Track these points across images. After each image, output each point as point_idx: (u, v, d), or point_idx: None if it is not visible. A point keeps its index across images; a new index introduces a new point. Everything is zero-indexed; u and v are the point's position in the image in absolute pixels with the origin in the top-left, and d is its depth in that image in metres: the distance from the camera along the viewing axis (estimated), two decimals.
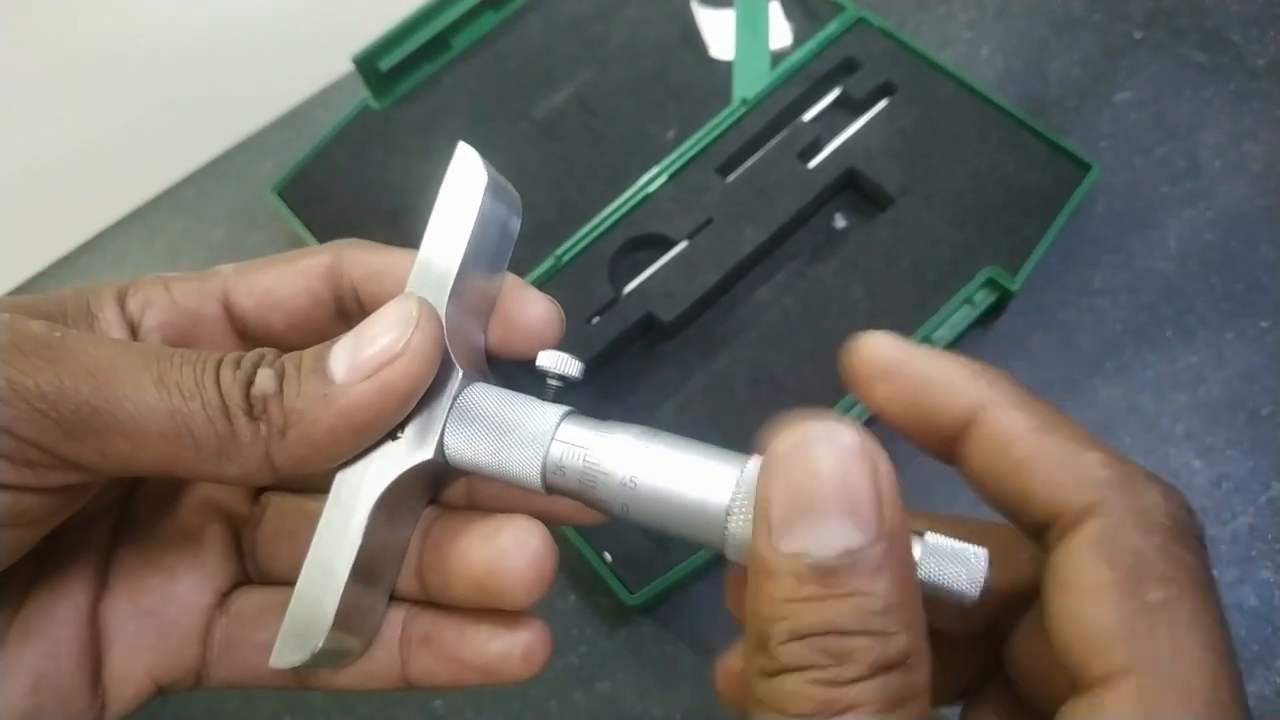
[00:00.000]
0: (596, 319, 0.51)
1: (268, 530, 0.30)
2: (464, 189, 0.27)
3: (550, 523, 0.28)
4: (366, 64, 0.57)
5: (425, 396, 0.26)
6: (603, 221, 0.53)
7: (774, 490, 0.21)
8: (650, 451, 0.25)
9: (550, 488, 0.26)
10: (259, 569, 0.31)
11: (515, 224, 0.30)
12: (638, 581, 0.44)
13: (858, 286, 0.50)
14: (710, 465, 0.24)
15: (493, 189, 0.28)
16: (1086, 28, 0.59)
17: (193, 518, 0.30)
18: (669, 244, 0.53)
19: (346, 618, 0.25)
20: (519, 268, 0.52)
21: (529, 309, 0.29)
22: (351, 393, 0.24)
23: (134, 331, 0.28)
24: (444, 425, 0.26)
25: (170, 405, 0.23)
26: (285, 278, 0.29)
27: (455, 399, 0.26)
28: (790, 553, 0.20)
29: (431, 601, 0.29)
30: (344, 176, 0.58)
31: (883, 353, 0.24)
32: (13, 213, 0.64)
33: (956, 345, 0.49)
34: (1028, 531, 0.23)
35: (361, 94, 0.59)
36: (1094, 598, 0.20)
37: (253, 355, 0.25)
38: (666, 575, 0.44)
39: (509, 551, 0.26)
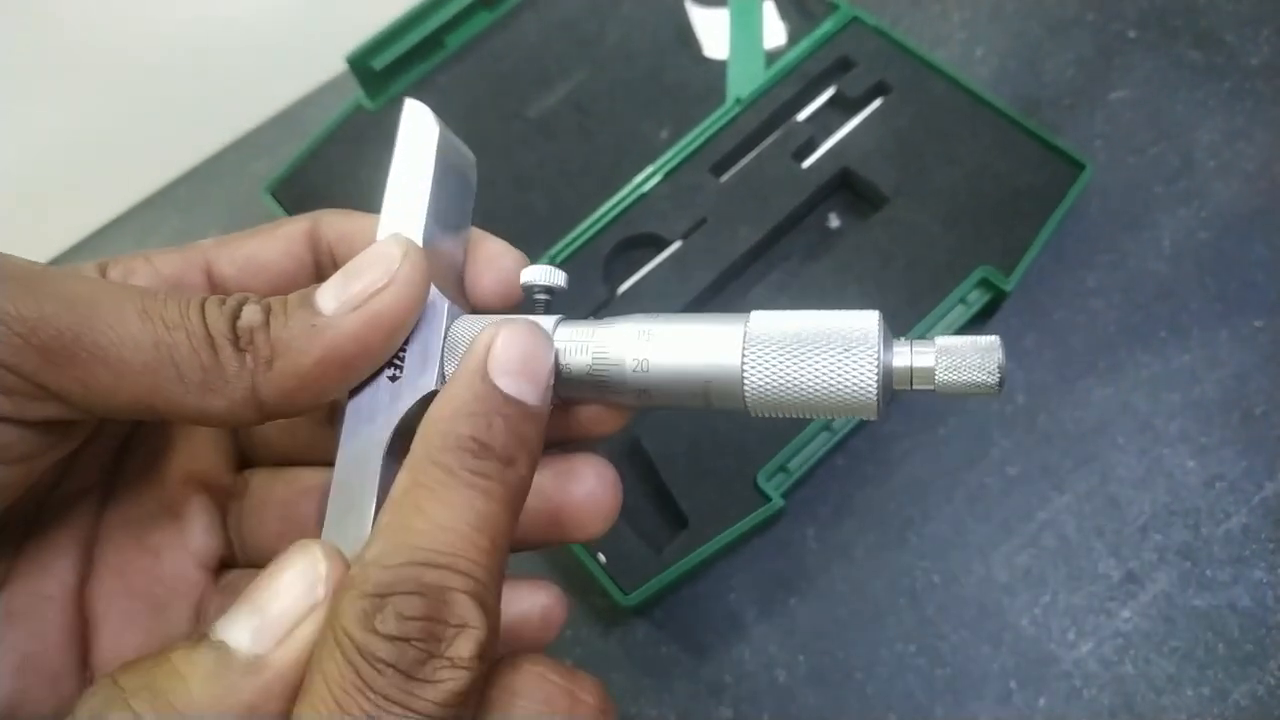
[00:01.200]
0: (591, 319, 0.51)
1: (252, 502, 0.30)
2: (419, 141, 0.28)
3: (568, 442, 0.29)
4: (360, 64, 0.57)
5: (418, 332, 0.26)
6: (597, 221, 0.53)
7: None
8: (653, 332, 0.25)
9: (561, 395, 0.26)
10: (244, 542, 0.30)
11: (472, 176, 0.30)
12: (632, 583, 0.44)
13: (852, 286, 0.50)
14: (714, 329, 0.24)
15: (446, 139, 0.28)
16: (1080, 27, 0.59)
17: (176, 493, 0.30)
18: (663, 244, 0.53)
19: None
20: None
21: (499, 258, 0.29)
22: (340, 323, 0.24)
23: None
24: (441, 355, 0.26)
25: (154, 335, 0.23)
26: (267, 244, 0.29)
27: (447, 330, 0.26)
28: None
29: None
30: (337, 176, 0.58)
31: None
32: (6, 213, 0.64)
33: None
34: None
35: (355, 94, 0.59)
36: None
37: (237, 295, 0.25)
38: (660, 576, 0.44)
39: (593, 485, 0.27)
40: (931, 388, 0.23)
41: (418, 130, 0.28)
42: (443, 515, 0.22)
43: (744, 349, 0.24)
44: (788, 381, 0.23)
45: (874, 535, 0.47)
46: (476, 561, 0.21)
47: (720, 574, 0.47)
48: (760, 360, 0.24)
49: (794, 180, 0.53)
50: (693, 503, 0.46)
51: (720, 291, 0.52)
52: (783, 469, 0.46)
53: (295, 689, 0.22)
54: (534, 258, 0.52)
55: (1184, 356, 0.49)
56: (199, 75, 0.65)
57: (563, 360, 0.25)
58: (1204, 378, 0.49)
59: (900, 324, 0.48)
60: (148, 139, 0.64)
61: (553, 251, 0.52)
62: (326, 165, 0.58)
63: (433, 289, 0.26)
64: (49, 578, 0.27)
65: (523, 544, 0.28)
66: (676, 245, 0.52)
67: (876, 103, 0.55)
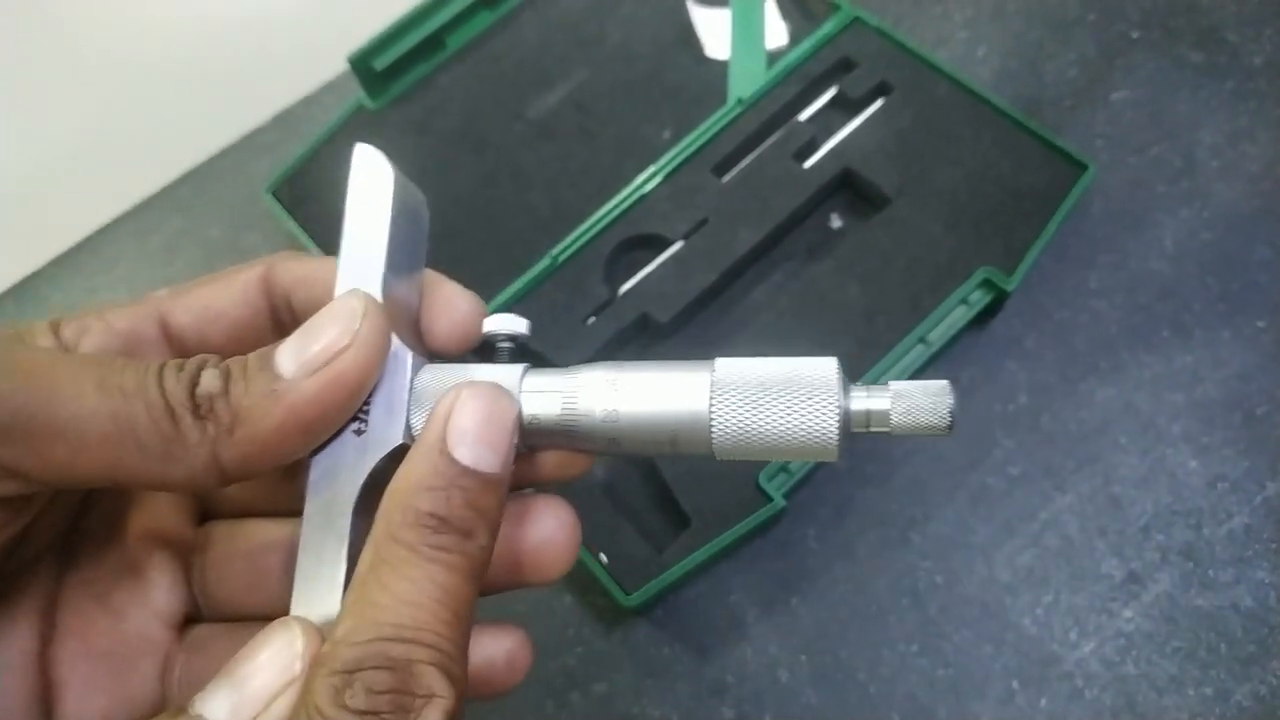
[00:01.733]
0: (592, 319, 0.51)
1: (214, 556, 0.30)
2: (373, 186, 0.28)
3: (536, 486, 0.29)
4: (361, 64, 0.57)
5: (382, 385, 0.26)
6: (598, 222, 0.53)
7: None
8: (621, 381, 0.25)
9: (529, 443, 0.26)
10: (209, 597, 0.30)
11: (425, 217, 0.30)
12: (634, 583, 0.44)
13: (853, 287, 0.50)
14: (681, 378, 0.25)
15: (400, 184, 0.28)
16: (1082, 27, 0.59)
17: (137, 551, 0.29)
18: (665, 244, 0.53)
19: None
20: (517, 266, 0.52)
21: (456, 302, 0.29)
22: (300, 387, 0.23)
23: None
24: (408, 408, 0.26)
25: (112, 407, 0.22)
26: (221, 292, 0.29)
27: (412, 382, 0.26)
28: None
29: None
30: (339, 176, 0.57)
31: None
32: (8, 213, 0.64)
33: (952, 346, 0.49)
34: None
35: (356, 94, 0.59)
36: None
37: (196, 359, 0.24)
38: (662, 576, 0.44)
39: (551, 528, 0.27)
40: (887, 430, 0.24)
41: (371, 176, 0.28)
42: (406, 591, 0.22)
43: (711, 397, 0.24)
44: (753, 428, 0.24)
45: (876, 535, 0.47)
46: (440, 634, 0.22)
47: (722, 574, 0.47)
48: (727, 408, 0.24)
49: (795, 181, 0.53)
50: (694, 503, 0.46)
51: (721, 292, 0.52)
52: (784, 469, 0.46)
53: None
54: (535, 258, 0.52)
55: (1186, 357, 0.49)
56: (200, 75, 0.65)
57: (532, 410, 0.26)
58: (1206, 378, 0.49)
59: (902, 324, 0.48)
60: (149, 139, 0.64)
61: (554, 252, 0.52)
62: (327, 165, 0.58)
63: (395, 340, 0.26)
64: (10, 645, 0.26)
65: (484, 590, 0.28)
66: (678, 246, 0.52)
67: (878, 103, 0.55)
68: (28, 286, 0.60)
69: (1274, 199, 0.52)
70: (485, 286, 0.51)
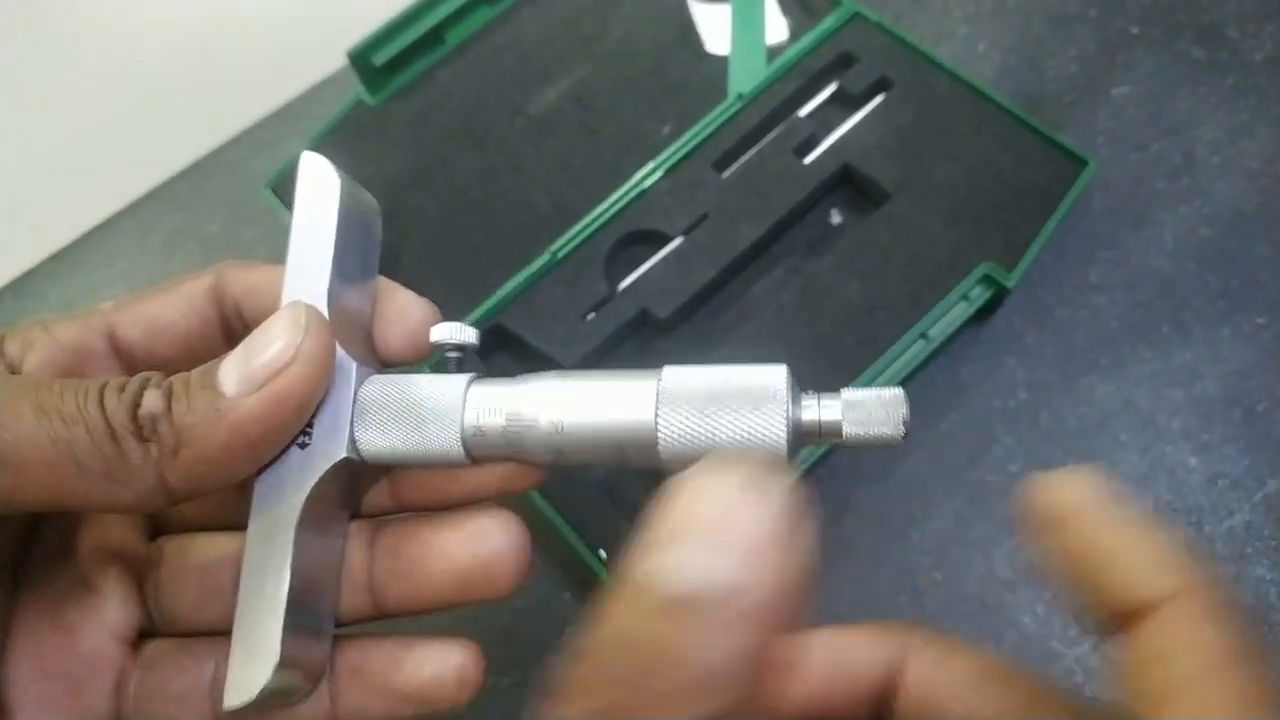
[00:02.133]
0: (592, 315, 0.51)
1: (167, 572, 0.29)
2: (319, 197, 0.27)
3: (486, 499, 0.28)
4: (360, 59, 0.57)
5: (327, 398, 0.25)
6: (598, 217, 0.53)
7: (659, 514, 0.19)
8: (566, 390, 0.24)
9: (473, 456, 0.26)
10: (163, 612, 0.29)
11: (377, 227, 0.30)
12: None
13: (853, 282, 0.50)
14: (626, 387, 0.24)
15: (349, 194, 0.28)
16: (1083, 23, 0.59)
17: (89, 568, 0.29)
18: (665, 240, 0.52)
19: (292, 652, 0.24)
20: (517, 262, 0.52)
21: (408, 310, 0.29)
22: (243, 405, 0.23)
23: (14, 374, 0.27)
24: (351, 421, 0.25)
25: (51, 433, 0.22)
26: (170, 303, 0.28)
27: (356, 394, 0.26)
28: (643, 569, 0.18)
29: (384, 617, 0.28)
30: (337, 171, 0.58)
31: (1068, 497, 0.21)
32: (7, 208, 0.64)
33: (952, 342, 0.49)
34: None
35: (355, 89, 0.59)
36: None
37: (138, 378, 0.24)
38: None
39: (497, 543, 0.26)
40: (840, 440, 0.23)
41: (318, 184, 0.27)
42: None
43: (657, 406, 0.24)
44: (700, 438, 0.24)
45: (875, 533, 0.47)
46: None
47: None
48: (673, 417, 0.24)
49: (795, 176, 0.53)
50: None
51: (721, 288, 0.52)
52: None
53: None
54: (535, 253, 0.52)
55: (1186, 353, 0.49)
56: (198, 71, 0.65)
57: (476, 421, 0.25)
58: (1206, 374, 0.49)
59: (902, 320, 0.48)
60: (147, 135, 0.64)
61: (554, 247, 0.52)
62: (327, 160, 0.58)
63: (340, 351, 0.25)
64: None
65: (433, 606, 0.28)
66: (678, 241, 0.52)
67: (878, 99, 0.54)
68: (26, 282, 0.60)
69: (1274, 195, 0.52)
70: (485, 282, 0.52)
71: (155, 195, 0.62)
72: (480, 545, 0.27)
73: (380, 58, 0.58)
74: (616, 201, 0.53)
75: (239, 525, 0.28)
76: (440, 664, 0.27)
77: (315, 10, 0.67)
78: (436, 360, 0.28)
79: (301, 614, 0.25)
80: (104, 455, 0.22)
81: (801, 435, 0.24)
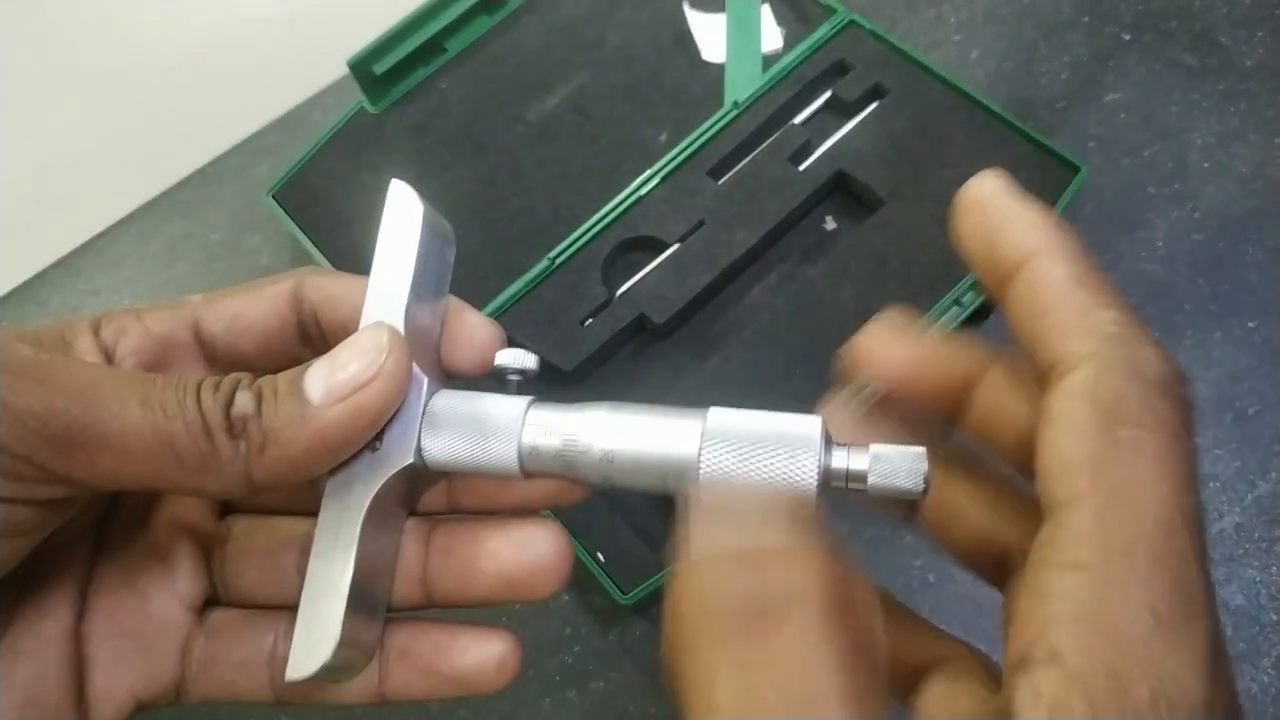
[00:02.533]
0: (590, 321, 0.51)
1: (234, 549, 0.31)
2: (403, 222, 0.30)
3: (530, 510, 0.30)
4: (361, 68, 0.58)
5: (398, 408, 0.27)
6: (596, 224, 0.53)
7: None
8: (619, 421, 0.27)
9: (527, 472, 0.28)
10: (227, 587, 0.31)
11: (451, 252, 0.32)
12: (630, 582, 0.45)
13: (848, 288, 0.51)
14: (676, 424, 0.26)
15: (429, 220, 0.30)
16: (1075, 30, 0.59)
17: (163, 538, 0.31)
18: (662, 246, 0.53)
19: (351, 632, 0.26)
20: (516, 268, 0.52)
21: (475, 330, 0.31)
22: (326, 414, 0.25)
23: (109, 359, 0.29)
24: (419, 430, 0.28)
25: (154, 423, 0.24)
26: (253, 303, 0.30)
27: (425, 406, 0.28)
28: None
29: (432, 607, 0.30)
30: (339, 180, 0.58)
31: (978, 189, 0.26)
32: (11, 216, 0.65)
33: None
34: (1040, 376, 0.24)
35: (356, 97, 0.59)
36: (1070, 431, 0.21)
37: (230, 379, 0.26)
38: (658, 576, 0.44)
39: (541, 550, 0.29)
40: (863, 488, 0.25)
41: (403, 210, 0.30)
42: None
43: (701, 444, 0.26)
44: (738, 476, 0.26)
45: (869, 534, 0.48)
46: None
47: None
48: (715, 455, 0.26)
49: (790, 183, 0.53)
50: None
51: (717, 294, 0.53)
52: None
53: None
54: (534, 260, 0.53)
55: (1178, 357, 0.49)
56: (201, 79, 0.66)
57: (533, 441, 0.27)
58: (1197, 378, 0.49)
59: None
60: (150, 143, 0.65)
61: (553, 254, 0.53)
62: (328, 168, 0.58)
63: (413, 367, 0.27)
64: (48, 620, 0.28)
65: (479, 603, 0.30)
66: (675, 248, 0.53)
67: (872, 106, 0.55)
68: (30, 289, 0.61)
69: (1265, 200, 0.53)
70: (484, 288, 0.52)
71: (157, 203, 0.63)
72: (526, 552, 0.29)
73: (381, 66, 0.58)
74: (614, 208, 0.53)
75: (303, 511, 0.30)
76: (483, 652, 0.29)
77: (316, 19, 0.67)
78: (498, 380, 0.30)
79: (361, 599, 0.27)
80: (199, 448, 0.24)
81: (830, 481, 0.26)
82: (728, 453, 0.26)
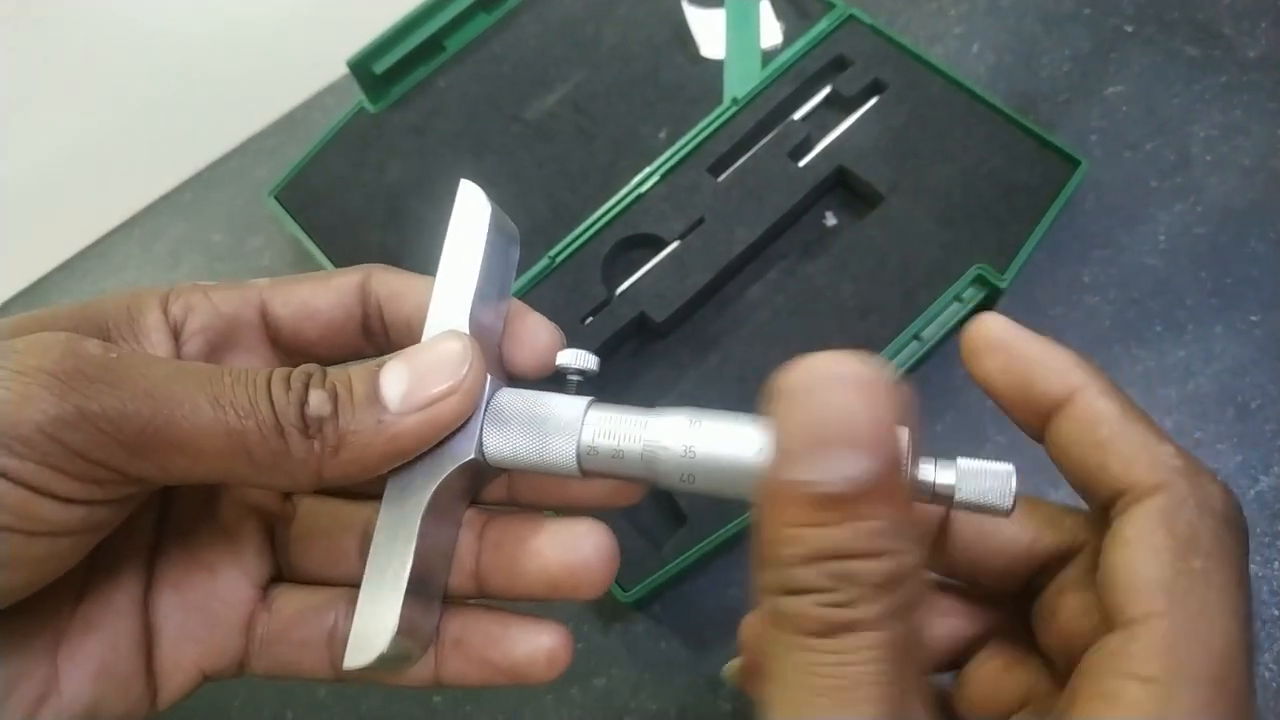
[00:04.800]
0: (590, 319, 0.52)
1: (299, 529, 0.32)
2: (471, 222, 0.30)
3: (585, 509, 0.31)
4: (361, 67, 0.58)
5: None
6: (595, 222, 0.53)
7: (784, 424, 0.22)
8: (697, 424, 0.27)
9: (585, 471, 0.28)
10: (291, 565, 0.32)
11: (515, 252, 0.33)
12: (632, 579, 0.45)
13: (848, 284, 0.51)
14: (751, 428, 0.26)
15: (496, 221, 0.30)
16: (1077, 22, 0.59)
17: (230, 516, 0.31)
18: (661, 244, 0.53)
19: (408, 623, 0.27)
20: (516, 268, 0.52)
21: (538, 332, 0.32)
22: (404, 422, 0.26)
23: (176, 335, 0.29)
24: (481, 426, 0.28)
25: (227, 424, 0.24)
26: (320, 292, 0.31)
27: (488, 403, 0.28)
28: (800, 480, 0.21)
29: (486, 599, 0.31)
30: (341, 179, 0.58)
31: (995, 331, 0.27)
32: (13, 219, 0.65)
33: (946, 342, 0.49)
34: (1096, 504, 0.26)
35: (356, 97, 0.60)
36: (1148, 554, 0.23)
37: (300, 373, 0.26)
38: (660, 573, 0.44)
39: (585, 553, 0.29)
40: (949, 504, 0.26)
41: (471, 211, 0.30)
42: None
43: None
44: None
45: None
46: None
47: (719, 570, 0.48)
48: None
49: (790, 179, 0.53)
50: (691, 500, 0.46)
51: (718, 291, 0.53)
52: None
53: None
54: (534, 259, 0.53)
55: (1179, 351, 0.49)
56: (201, 81, 0.66)
57: (592, 441, 0.28)
58: (1199, 372, 0.49)
59: (896, 321, 0.48)
60: (151, 145, 0.65)
61: (552, 252, 0.53)
62: (329, 169, 0.59)
63: None
64: (119, 592, 0.29)
65: (526, 598, 0.30)
66: (674, 245, 0.53)
67: (872, 101, 0.55)
68: (34, 292, 0.61)
69: (1267, 193, 0.52)
70: None
71: (159, 205, 0.63)
72: (571, 554, 0.29)
73: (380, 66, 0.58)
74: (614, 206, 0.53)
75: (365, 495, 0.31)
76: (534, 644, 0.30)
77: (316, 20, 0.67)
78: (558, 380, 0.31)
79: (419, 590, 0.27)
80: (271, 448, 0.25)
81: (916, 493, 0.26)
82: None
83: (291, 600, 0.31)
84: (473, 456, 0.28)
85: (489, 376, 0.28)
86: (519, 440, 0.28)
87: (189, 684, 0.30)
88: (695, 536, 0.45)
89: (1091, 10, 0.59)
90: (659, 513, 0.48)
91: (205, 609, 0.30)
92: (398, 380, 0.26)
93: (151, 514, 0.30)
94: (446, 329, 0.28)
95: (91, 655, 0.28)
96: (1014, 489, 0.25)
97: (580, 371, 0.30)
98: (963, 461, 0.25)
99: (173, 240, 0.62)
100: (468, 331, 0.28)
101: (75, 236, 0.62)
